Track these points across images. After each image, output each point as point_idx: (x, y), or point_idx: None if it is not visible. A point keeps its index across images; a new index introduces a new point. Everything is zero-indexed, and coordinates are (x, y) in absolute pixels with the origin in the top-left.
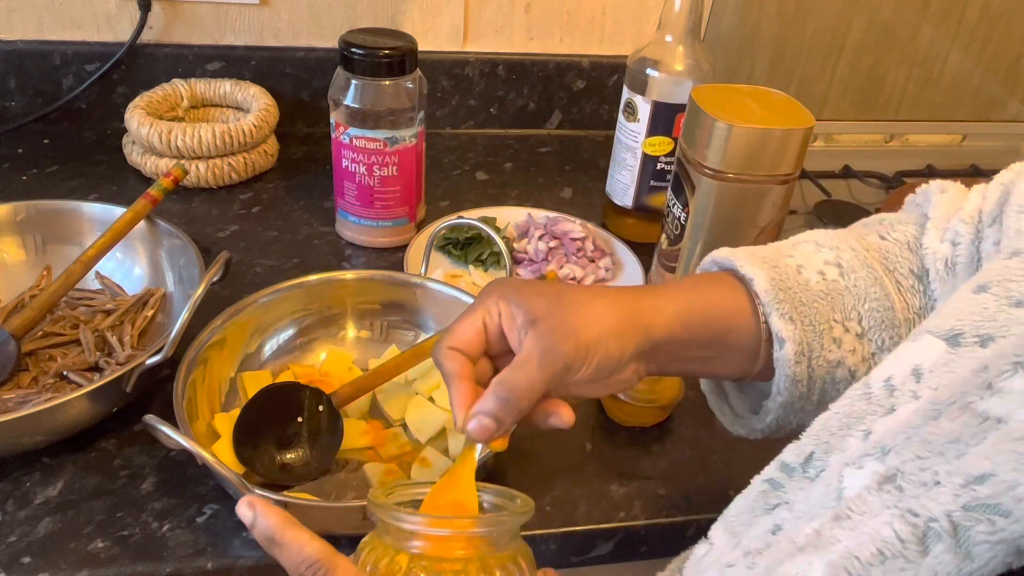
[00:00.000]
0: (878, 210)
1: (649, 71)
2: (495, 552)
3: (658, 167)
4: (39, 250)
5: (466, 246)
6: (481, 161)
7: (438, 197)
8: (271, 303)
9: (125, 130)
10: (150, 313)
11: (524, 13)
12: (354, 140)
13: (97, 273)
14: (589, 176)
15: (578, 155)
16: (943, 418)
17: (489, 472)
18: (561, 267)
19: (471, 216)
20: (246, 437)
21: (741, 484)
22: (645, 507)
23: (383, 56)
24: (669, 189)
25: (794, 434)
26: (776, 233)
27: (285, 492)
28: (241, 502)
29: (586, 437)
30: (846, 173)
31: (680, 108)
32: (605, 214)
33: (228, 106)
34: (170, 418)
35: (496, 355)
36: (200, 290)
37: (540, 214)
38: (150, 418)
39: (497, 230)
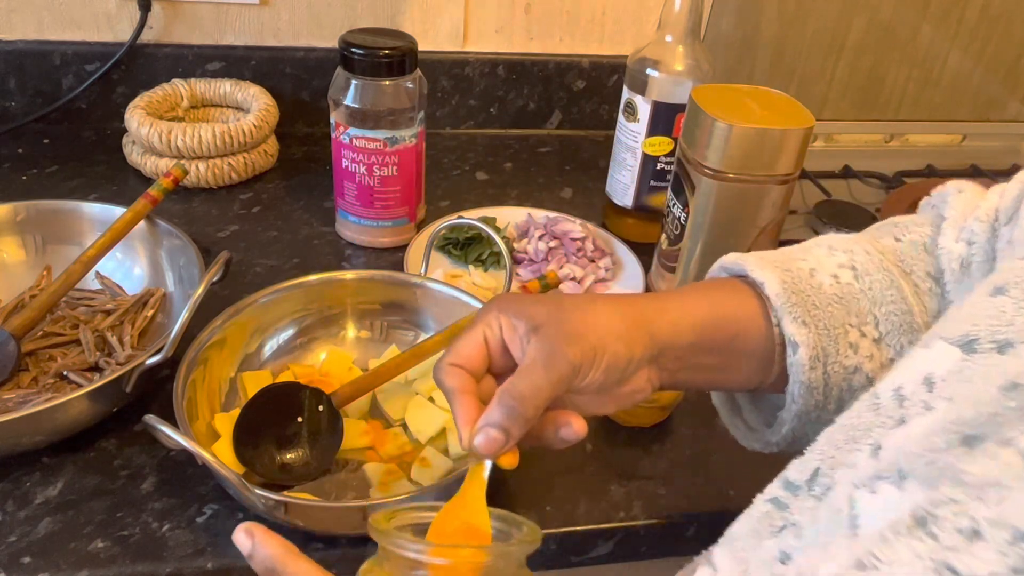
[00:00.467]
0: (878, 211)
1: (649, 71)
2: None
3: (658, 167)
4: (39, 250)
5: (466, 246)
6: (481, 161)
7: (438, 197)
8: (271, 303)
9: (125, 130)
10: (150, 313)
11: (524, 13)
12: (354, 140)
13: (97, 273)
14: (589, 176)
15: (578, 155)
16: (979, 452)
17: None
18: (561, 267)
19: (471, 216)
20: (246, 437)
21: (741, 484)
22: (645, 507)
23: (383, 56)
24: (669, 189)
25: None
26: (776, 233)
27: (285, 492)
28: (238, 530)
29: (586, 437)
30: (846, 173)
31: (680, 108)
32: (605, 214)
33: (228, 106)
34: (170, 418)
35: (500, 373)
36: (200, 290)
37: (540, 214)
38: (150, 418)
39: (497, 230)
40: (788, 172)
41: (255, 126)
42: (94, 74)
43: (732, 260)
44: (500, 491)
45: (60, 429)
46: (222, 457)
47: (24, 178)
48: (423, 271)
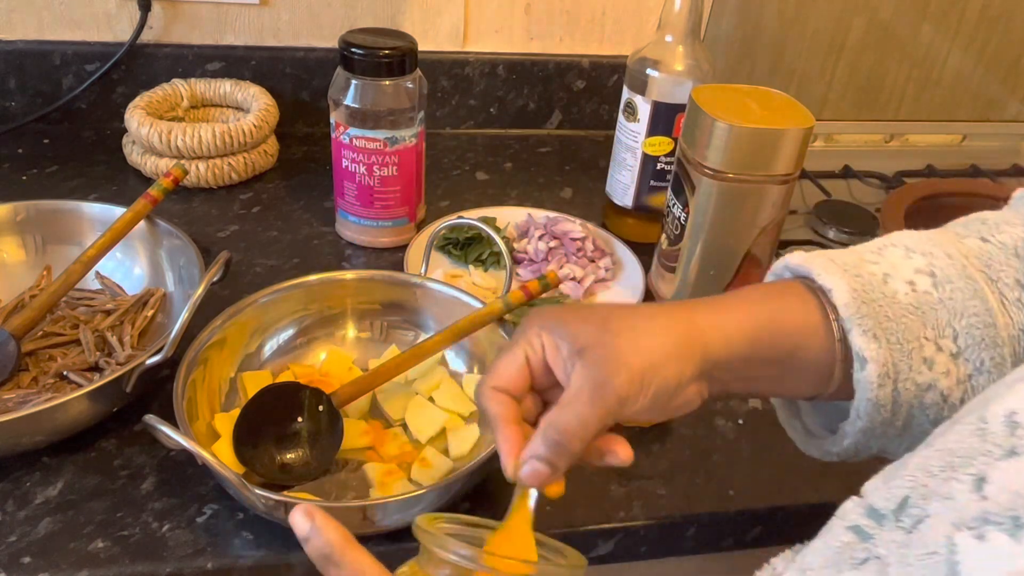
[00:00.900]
0: (878, 211)
1: (649, 71)
2: None
3: (658, 167)
4: (39, 250)
5: (466, 246)
6: (481, 161)
7: (438, 197)
8: (271, 303)
9: (125, 130)
10: (150, 313)
11: (524, 13)
12: (354, 140)
13: (97, 273)
14: (589, 176)
15: (578, 155)
16: None
17: (488, 474)
18: (561, 267)
19: (471, 216)
20: (246, 437)
21: (741, 484)
22: (645, 507)
23: (383, 56)
24: (669, 189)
25: (874, 459)
26: (776, 233)
27: (285, 492)
28: (296, 511)
29: None
30: (846, 173)
31: (680, 108)
32: (605, 214)
33: (228, 106)
34: (170, 418)
35: (543, 389)
36: (200, 290)
37: (540, 214)
38: (150, 418)
39: (497, 230)
40: (788, 172)
41: (255, 126)
42: (94, 74)
43: (798, 261)
44: (501, 491)
45: (60, 429)
46: (222, 457)
47: (24, 178)
48: (423, 271)
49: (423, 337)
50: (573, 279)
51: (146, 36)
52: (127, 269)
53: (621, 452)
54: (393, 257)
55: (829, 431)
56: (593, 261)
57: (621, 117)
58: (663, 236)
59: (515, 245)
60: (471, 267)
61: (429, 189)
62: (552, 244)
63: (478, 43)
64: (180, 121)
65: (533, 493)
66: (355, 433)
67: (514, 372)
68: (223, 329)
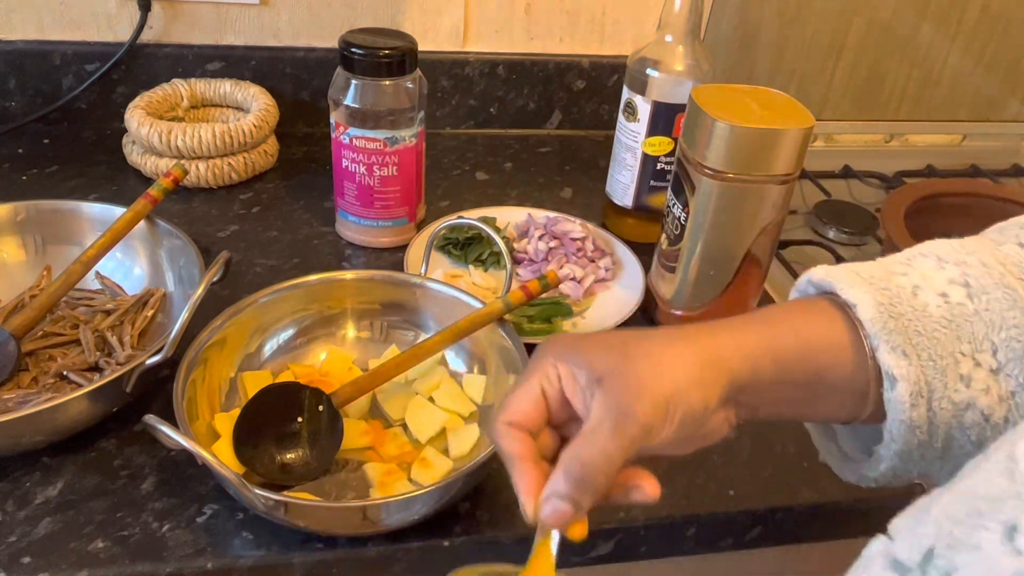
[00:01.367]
0: (878, 211)
1: (649, 71)
2: None
3: (658, 167)
4: (39, 250)
5: (466, 246)
6: (481, 161)
7: (438, 197)
8: (271, 303)
9: (125, 130)
10: (150, 313)
11: (524, 13)
12: (354, 140)
13: (97, 273)
14: (589, 176)
15: (578, 155)
16: None
17: (488, 473)
18: (561, 267)
19: (471, 216)
20: (246, 437)
21: (741, 484)
22: (645, 507)
23: (383, 56)
24: (669, 189)
25: (914, 482)
26: (776, 233)
27: (285, 492)
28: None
29: None
30: (846, 173)
31: (680, 108)
32: (605, 214)
33: (228, 106)
34: (170, 418)
35: (561, 423)
36: (200, 290)
37: (540, 214)
38: (150, 418)
39: (497, 230)
40: (788, 172)
41: (255, 126)
42: (94, 74)
43: (821, 275)
44: (501, 491)
45: (60, 429)
46: (222, 457)
47: (24, 178)
48: (423, 271)
49: (423, 337)
50: (573, 279)
51: (146, 36)
52: (127, 269)
53: (647, 487)
54: (393, 257)
55: (866, 454)
56: (593, 261)
57: (621, 117)
58: (663, 236)
59: (515, 245)
60: (471, 267)
61: (429, 189)
62: (552, 244)
63: (478, 43)
64: (180, 121)
65: (555, 535)
66: (355, 433)
67: (529, 406)
68: (223, 329)
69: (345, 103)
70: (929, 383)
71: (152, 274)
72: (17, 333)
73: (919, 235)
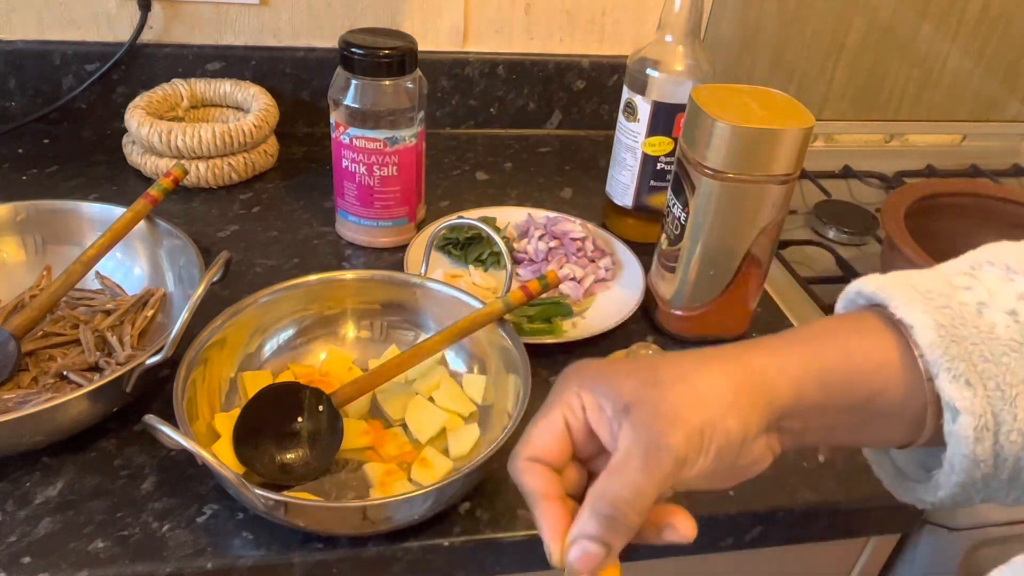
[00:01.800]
0: (879, 211)
1: (649, 71)
2: None
3: (658, 167)
4: (39, 250)
5: (466, 246)
6: (481, 161)
7: (438, 197)
8: (271, 303)
9: (125, 130)
10: (150, 313)
11: (524, 13)
12: (354, 140)
13: (97, 273)
14: (589, 176)
15: (578, 155)
16: None
17: (488, 473)
18: (561, 267)
19: (471, 216)
20: (246, 437)
21: (741, 484)
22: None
23: (383, 56)
24: (669, 189)
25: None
26: (776, 233)
27: (285, 492)
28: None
29: None
30: (846, 173)
31: (680, 108)
32: (605, 214)
33: (228, 106)
34: (170, 418)
35: (587, 457)
36: (200, 290)
37: (540, 214)
38: (150, 418)
39: (497, 230)
40: (788, 172)
41: (255, 126)
42: (94, 74)
43: (873, 288)
44: (501, 491)
45: (60, 429)
46: (222, 457)
47: (24, 178)
48: (423, 271)
49: (423, 337)
50: (573, 279)
51: (146, 36)
52: (127, 269)
53: (682, 526)
54: (393, 257)
55: (923, 470)
56: (593, 261)
57: (621, 117)
58: (663, 236)
59: (515, 245)
60: (471, 267)
61: (429, 189)
62: (552, 244)
63: (478, 43)
64: (180, 121)
65: None
66: (355, 433)
67: (553, 440)
68: (223, 329)
69: (345, 103)
70: (996, 415)
71: (152, 274)
72: (17, 333)
73: (919, 235)
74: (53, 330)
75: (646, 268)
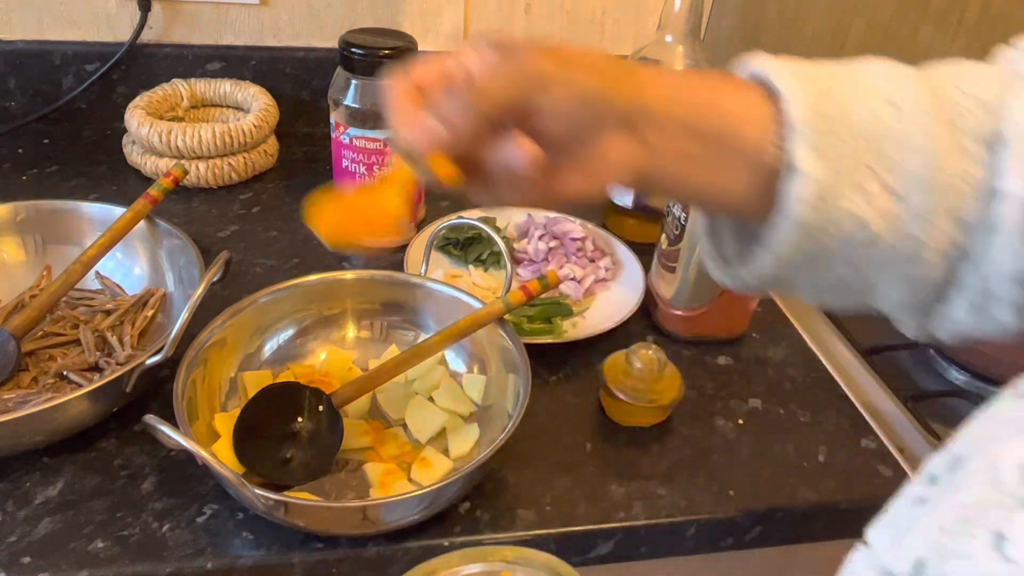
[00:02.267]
0: None
1: None
2: None
3: None
4: (39, 250)
5: (466, 246)
6: None
7: (438, 197)
8: (271, 303)
9: (125, 130)
10: (150, 313)
11: (524, 13)
12: (354, 140)
13: (97, 273)
14: None
15: None
16: None
17: (488, 474)
18: (561, 267)
19: (471, 216)
20: (246, 437)
21: (741, 484)
22: (645, 507)
23: (383, 56)
24: None
25: (790, 294)
26: None
27: (285, 492)
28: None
29: (586, 437)
30: None
31: None
32: (605, 214)
33: (228, 106)
34: (170, 418)
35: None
36: (200, 290)
37: (540, 214)
38: (150, 418)
39: (497, 230)
40: None
41: (255, 126)
42: (94, 74)
43: (758, 64)
44: (501, 491)
45: (60, 429)
46: (222, 457)
47: (24, 178)
48: (423, 271)
49: (423, 337)
50: (573, 279)
51: (146, 36)
52: (127, 269)
53: (519, 147)
54: (393, 257)
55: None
56: (593, 261)
57: None
58: (663, 236)
59: (515, 245)
60: (471, 267)
61: (429, 189)
62: (552, 244)
63: None
64: (180, 121)
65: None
66: (355, 433)
67: (430, 75)
68: (223, 329)
69: (345, 103)
70: (833, 188)
71: (152, 274)
72: (17, 333)
73: None
74: (53, 330)
75: (646, 268)
